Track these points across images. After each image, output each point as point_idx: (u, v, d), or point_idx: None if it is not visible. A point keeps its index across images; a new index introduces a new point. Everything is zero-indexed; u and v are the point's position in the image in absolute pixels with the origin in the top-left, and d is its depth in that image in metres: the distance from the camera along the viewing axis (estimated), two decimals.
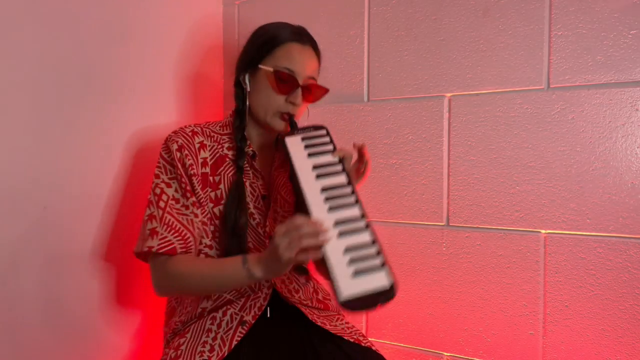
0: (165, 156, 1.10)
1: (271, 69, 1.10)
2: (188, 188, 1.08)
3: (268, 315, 1.11)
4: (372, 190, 1.44)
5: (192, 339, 1.08)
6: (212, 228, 1.11)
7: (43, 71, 1.15)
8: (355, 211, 0.94)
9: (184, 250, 1.05)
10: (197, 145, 1.12)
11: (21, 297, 1.12)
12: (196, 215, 1.08)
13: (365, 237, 0.91)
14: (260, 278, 0.96)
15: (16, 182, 1.11)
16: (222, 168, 1.13)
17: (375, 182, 1.44)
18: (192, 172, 1.09)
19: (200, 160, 1.11)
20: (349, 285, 0.85)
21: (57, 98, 1.18)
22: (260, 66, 1.12)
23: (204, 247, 1.12)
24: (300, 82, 1.11)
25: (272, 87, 1.11)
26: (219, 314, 1.10)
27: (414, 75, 1.38)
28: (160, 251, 1.03)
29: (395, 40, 1.40)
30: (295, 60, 1.11)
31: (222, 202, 1.11)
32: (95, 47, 1.26)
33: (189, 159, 1.09)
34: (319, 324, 1.10)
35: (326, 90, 1.18)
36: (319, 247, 0.88)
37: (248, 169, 1.15)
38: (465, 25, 1.31)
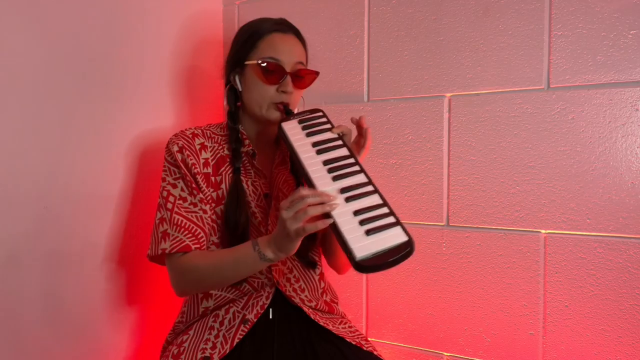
0: (169, 159, 1.12)
1: (257, 62, 1.11)
2: (194, 185, 1.10)
3: (270, 315, 1.11)
4: None
5: (195, 336, 1.09)
6: (215, 227, 1.12)
7: (43, 71, 1.15)
8: (361, 178, 0.92)
9: (197, 246, 1.07)
10: (197, 147, 1.13)
11: (21, 297, 1.12)
12: (205, 212, 1.10)
13: (374, 199, 0.88)
14: (272, 259, 0.96)
15: (16, 182, 1.11)
16: (223, 168, 1.14)
17: (375, 182, 1.43)
18: (195, 170, 1.10)
19: (202, 161, 1.12)
20: (363, 245, 0.81)
21: (57, 98, 1.18)
22: (247, 62, 1.12)
23: (211, 244, 1.13)
24: (288, 69, 1.11)
25: (260, 79, 1.11)
26: (222, 312, 1.10)
27: (414, 75, 1.38)
28: (173, 251, 1.05)
29: (395, 40, 1.40)
30: (279, 49, 1.11)
31: (224, 202, 1.12)
32: (95, 47, 1.26)
33: (190, 159, 1.11)
34: (322, 324, 1.10)
35: (316, 73, 1.18)
36: (327, 214, 0.86)
37: (249, 168, 1.16)
38: (465, 25, 1.31)
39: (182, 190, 1.10)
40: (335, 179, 0.92)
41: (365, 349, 1.08)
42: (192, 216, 1.08)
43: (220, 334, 1.06)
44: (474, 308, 1.31)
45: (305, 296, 1.15)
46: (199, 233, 1.07)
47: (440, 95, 1.34)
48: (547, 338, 1.22)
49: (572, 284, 1.19)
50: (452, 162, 1.33)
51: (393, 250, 0.80)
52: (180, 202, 1.09)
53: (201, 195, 1.10)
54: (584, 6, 1.17)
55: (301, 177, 0.94)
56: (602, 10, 1.15)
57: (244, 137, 1.16)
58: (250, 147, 1.15)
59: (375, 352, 1.09)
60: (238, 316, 1.08)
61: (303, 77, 1.14)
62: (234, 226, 1.09)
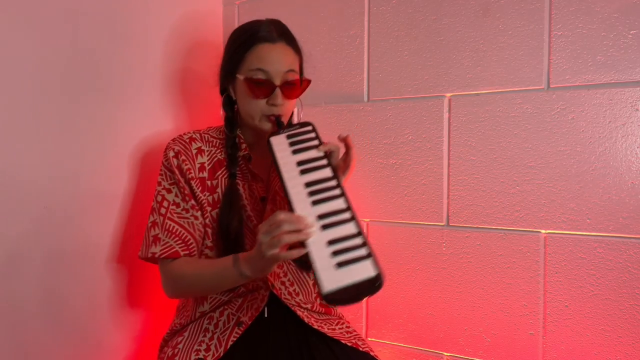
0: (165, 163, 1.14)
1: (244, 77, 1.10)
2: (187, 192, 1.12)
3: (265, 313, 1.11)
4: (372, 190, 1.44)
5: (189, 338, 1.09)
6: (211, 231, 1.13)
7: (43, 71, 1.15)
8: (339, 203, 0.91)
9: (186, 253, 1.09)
10: (194, 151, 1.15)
11: (21, 297, 1.12)
12: (196, 218, 1.11)
13: (349, 228, 0.87)
14: (250, 276, 0.97)
15: (16, 182, 1.11)
16: (219, 172, 1.15)
17: (375, 182, 1.44)
18: (189, 176, 1.12)
19: (197, 166, 1.14)
20: (332, 278, 0.81)
21: (57, 98, 1.18)
22: (237, 75, 1.12)
23: (205, 248, 1.14)
24: (278, 81, 1.09)
25: (249, 94, 1.10)
26: (216, 314, 1.10)
27: (414, 75, 1.38)
28: (163, 256, 1.08)
29: (395, 40, 1.40)
30: (267, 60, 1.09)
31: (219, 205, 1.12)
32: (95, 48, 1.26)
33: (186, 164, 1.12)
34: (316, 327, 1.09)
35: (308, 82, 1.16)
36: (302, 242, 0.86)
37: (246, 172, 1.16)
38: (465, 25, 1.31)
39: (176, 195, 1.12)
40: (314, 203, 0.91)
41: (361, 349, 1.08)
42: (183, 222, 1.11)
43: (215, 336, 1.07)
44: (474, 308, 1.31)
45: (300, 299, 1.15)
46: (189, 240, 1.10)
47: (440, 95, 1.34)
48: (547, 338, 1.22)
49: (572, 284, 1.19)
50: (452, 162, 1.33)
51: (360, 284, 0.81)
52: (174, 207, 1.11)
53: (193, 201, 1.12)
54: (584, 6, 1.17)
55: (284, 195, 0.95)
56: (602, 10, 1.15)
57: (241, 141, 1.17)
58: (246, 151, 1.15)
59: (371, 353, 1.09)
60: (232, 318, 1.08)
61: (295, 85, 1.12)
62: (227, 230, 1.10)
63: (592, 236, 1.17)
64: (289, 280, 1.16)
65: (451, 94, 1.33)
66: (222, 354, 1.03)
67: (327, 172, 0.97)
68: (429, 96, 1.36)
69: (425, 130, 1.36)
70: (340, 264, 0.82)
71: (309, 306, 1.15)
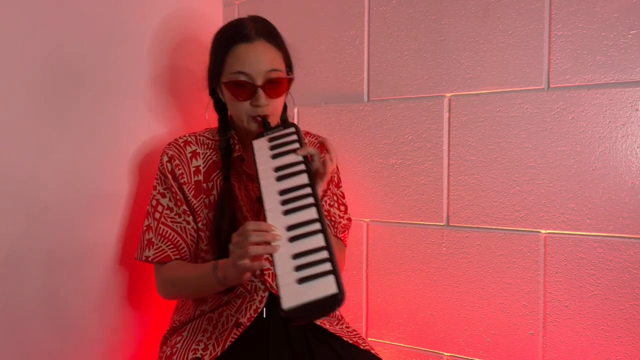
0: (160, 168, 1.16)
1: (226, 81, 1.09)
2: (179, 197, 1.14)
3: (264, 314, 1.11)
4: (372, 190, 1.44)
5: (188, 338, 1.10)
6: (208, 233, 1.15)
7: (43, 71, 1.15)
8: (311, 213, 0.89)
9: (177, 257, 1.13)
10: (189, 155, 1.16)
11: (21, 297, 1.12)
12: (188, 223, 1.15)
13: (317, 241, 0.85)
14: (227, 284, 0.98)
15: (16, 182, 1.11)
16: (214, 174, 1.16)
17: (375, 182, 1.44)
18: (182, 180, 1.14)
19: (192, 169, 1.16)
20: (292, 295, 0.79)
21: (57, 98, 1.18)
22: (221, 79, 1.11)
23: (201, 251, 1.16)
24: (259, 81, 1.07)
25: (232, 97, 1.10)
26: (215, 315, 1.11)
27: (414, 75, 1.38)
28: (155, 261, 1.12)
29: (395, 40, 1.40)
30: (245, 62, 1.07)
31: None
32: (95, 47, 1.26)
33: (179, 169, 1.15)
34: (318, 323, 1.10)
35: (292, 79, 1.13)
36: (270, 254, 0.86)
37: (241, 173, 1.16)
38: (465, 25, 1.31)
39: (169, 200, 1.15)
40: (286, 213, 0.89)
41: (362, 347, 1.08)
42: (176, 226, 1.14)
43: (213, 336, 1.07)
44: (474, 308, 1.31)
45: None
46: (181, 244, 1.14)
47: (440, 95, 1.34)
48: (547, 338, 1.22)
49: (572, 284, 1.19)
50: (452, 162, 1.33)
51: (320, 301, 0.78)
52: (167, 212, 1.14)
53: (184, 207, 1.14)
54: (584, 6, 1.17)
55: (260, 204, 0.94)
56: (602, 10, 1.15)
57: (235, 142, 1.17)
58: (240, 152, 1.16)
59: (372, 351, 1.09)
60: (231, 319, 1.08)
61: (278, 83, 1.10)
62: (218, 232, 1.10)
63: (592, 236, 1.17)
64: None
65: (451, 94, 1.33)
66: (219, 354, 1.03)
67: (303, 179, 0.95)
68: (429, 96, 1.36)
69: (425, 130, 1.36)
70: (302, 280, 0.80)
71: None
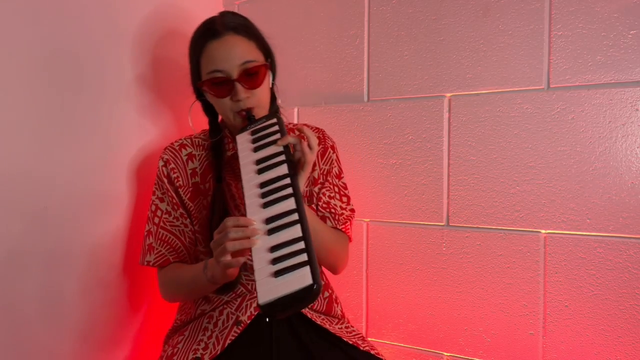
0: (158, 172, 1.18)
1: (204, 81, 1.09)
2: (175, 201, 1.16)
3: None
4: (372, 190, 1.44)
5: (189, 337, 1.10)
6: (201, 237, 1.17)
7: (43, 71, 1.15)
8: (289, 204, 0.88)
9: (177, 260, 1.15)
10: (184, 158, 1.18)
11: (21, 297, 1.12)
12: (186, 226, 1.17)
13: (294, 232, 0.84)
14: (216, 283, 0.99)
15: (16, 182, 1.11)
16: (210, 175, 1.17)
17: (375, 182, 1.44)
18: (178, 184, 1.16)
19: (189, 172, 1.17)
20: (268, 289, 0.78)
21: (57, 97, 1.18)
22: (198, 83, 1.12)
23: (200, 253, 1.18)
24: (235, 75, 1.05)
25: (213, 97, 1.10)
26: (216, 314, 1.11)
27: (414, 75, 1.38)
28: (156, 265, 1.15)
29: (395, 40, 1.40)
30: (217, 59, 1.06)
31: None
32: (95, 47, 1.26)
33: (174, 173, 1.16)
34: (319, 322, 1.10)
35: (267, 66, 1.11)
36: (249, 248, 0.86)
37: (237, 171, 1.16)
38: (465, 25, 1.31)
39: (167, 204, 1.17)
40: (265, 205, 0.89)
41: (362, 348, 1.08)
42: (175, 230, 1.16)
43: (214, 335, 1.07)
44: (474, 308, 1.31)
45: None
46: (180, 247, 1.16)
47: (440, 95, 1.34)
48: (547, 338, 1.22)
49: (572, 284, 1.19)
50: (452, 162, 1.33)
51: (296, 294, 0.77)
52: (166, 216, 1.17)
53: (181, 210, 1.16)
54: (584, 6, 1.17)
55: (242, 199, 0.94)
56: (602, 10, 1.15)
57: (229, 140, 1.17)
58: (234, 150, 1.16)
59: (372, 351, 1.09)
60: (232, 317, 1.08)
61: (255, 73, 1.07)
62: (211, 234, 1.11)
63: (592, 236, 1.17)
64: None
65: (451, 94, 1.33)
66: (219, 352, 1.03)
67: (282, 170, 0.93)
68: (429, 96, 1.36)
69: (425, 130, 1.36)
70: (278, 273, 0.79)
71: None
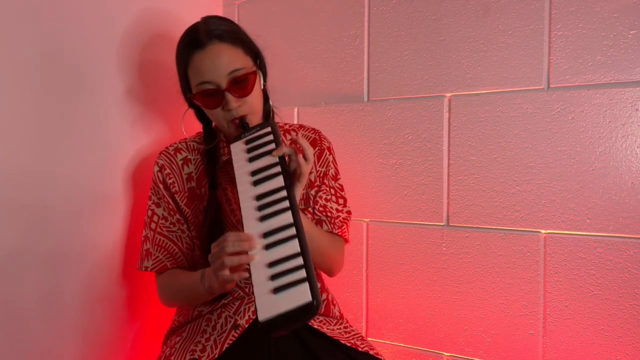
0: (153, 178, 1.18)
1: (194, 94, 1.08)
2: (171, 206, 1.16)
3: None
4: (372, 190, 1.44)
5: (187, 338, 1.10)
6: (199, 242, 1.16)
7: (43, 71, 1.15)
8: (286, 218, 0.87)
9: (174, 265, 1.16)
10: (180, 162, 1.18)
11: (21, 297, 1.12)
12: (183, 231, 1.17)
13: (292, 247, 0.84)
14: (213, 293, 1.00)
15: (16, 182, 1.10)
16: (206, 180, 1.16)
17: (375, 182, 1.44)
18: (174, 189, 1.16)
19: (184, 176, 1.17)
20: (268, 306, 0.78)
21: (57, 97, 1.18)
22: (192, 92, 1.10)
23: (198, 257, 1.18)
24: (224, 85, 1.03)
25: (204, 108, 1.10)
26: (214, 316, 1.11)
27: (414, 75, 1.38)
28: (154, 270, 1.15)
29: (395, 40, 1.40)
30: (204, 70, 1.04)
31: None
32: (95, 47, 1.26)
33: (170, 178, 1.16)
34: (316, 326, 1.09)
35: (256, 73, 1.09)
36: (247, 264, 0.85)
37: (234, 176, 1.16)
38: (465, 25, 1.31)
39: (164, 210, 1.17)
40: (262, 219, 0.88)
41: (361, 349, 1.08)
42: (172, 235, 1.16)
43: (212, 338, 1.07)
44: (474, 308, 1.31)
45: None
46: (177, 253, 1.16)
47: (440, 95, 1.34)
48: (547, 338, 1.22)
49: (572, 284, 1.19)
50: (452, 162, 1.33)
51: (295, 311, 0.77)
52: (163, 221, 1.17)
53: (178, 215, 1.16)
54: (584, 6, 1.17)
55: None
56: (602, 10, 1.15)
57: (224, 145, 1.17)
58: (229, 156, 1.15)
59: (371, 352, 1.09)
60: (230, 321, 1.08)
61: (244, 81, 1.05)
62: (204, 241, 1.11)
63: (592, 236, 1.17)
64: None
65: (451, 94, 1.33)
66: (217, 355, 1.02)
67: (278, 182, 0.92)
68: (429, 96, 1.36)
69: (425, 130, 1.36)
70: (277, 290, 0.79)
71: None
